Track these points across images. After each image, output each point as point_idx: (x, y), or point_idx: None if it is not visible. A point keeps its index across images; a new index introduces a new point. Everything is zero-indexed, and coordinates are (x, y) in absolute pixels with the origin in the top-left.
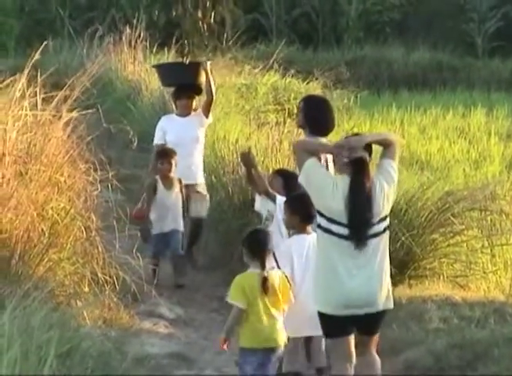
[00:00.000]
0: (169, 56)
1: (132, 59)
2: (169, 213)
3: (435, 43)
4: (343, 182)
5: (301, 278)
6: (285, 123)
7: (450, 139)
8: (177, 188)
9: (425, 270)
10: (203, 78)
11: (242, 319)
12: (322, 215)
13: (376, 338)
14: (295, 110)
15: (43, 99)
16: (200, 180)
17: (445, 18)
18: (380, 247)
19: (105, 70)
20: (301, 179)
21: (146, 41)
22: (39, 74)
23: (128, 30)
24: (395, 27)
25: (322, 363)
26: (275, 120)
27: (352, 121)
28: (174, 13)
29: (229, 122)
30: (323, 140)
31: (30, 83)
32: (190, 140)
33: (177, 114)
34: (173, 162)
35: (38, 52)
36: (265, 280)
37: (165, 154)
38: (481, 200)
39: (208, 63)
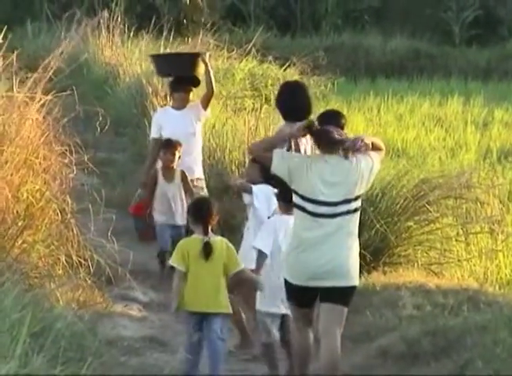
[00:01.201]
0: (146, 40)
1: (110, 43)
2: (170, 206)
3: (413, 31)
4: (316, 162)
5: (277, 259)
6: (262, 109)
7: (427, 127)
8: (178, 180)
9: (399, 257)
10: (201, 70)
11: (184, 282)
12: (296, 193)
13: (341, 313)
14: (272, 96)
15: (20, 82)
16: (198, 175)
17: (423, 6)
18: (350, 226)
19: (82, 53)
20: (276, 171)
21: (124, 25)
22: (15, 57)
23: (106, 13)
24: (373, 15)
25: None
26: (252, 106)
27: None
28: None
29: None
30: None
31: (8, 66)
32: (186, 135)
33: (173, 107)
34: (177, 153)
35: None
36: (206, 246)
37: (169, 145)
38: (457, 188)
39: (207, 54)
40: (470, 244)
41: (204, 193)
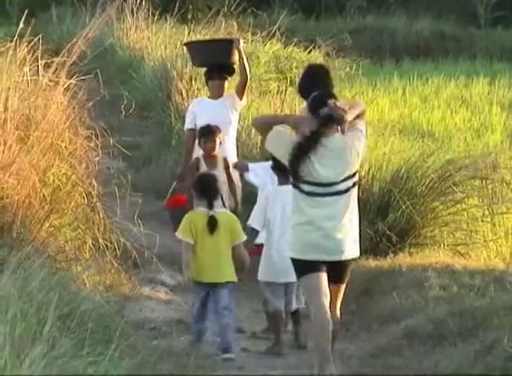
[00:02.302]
0: (171, 23)
1: (134, 26)
2: (227, 205)
3: (438, 13)
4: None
5: (281, 229)
6: (286, 91)
7: (452, 108)
8: (221, 167)
9: (426, 238)
10: (236, 58)
11: (192, 252)
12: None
13: (341, 289)
14: (296, 79)
15: (45, 66)
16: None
17: None
18: (350, 201)
19: (107, 37)
20: (268, 147)
21: (148, 9)
22: (41, 41)
23: None
24: None
25: (294, 306)
26: (277, 88)
27: (354, 90)
28: None
29: (231, 90)
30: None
31: (33, 50)
32: (223, 124)
33: (208, 97)
34: (217, 140)
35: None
36: (210, 219)
37: (209, 132)
38: (482, 169)
39: (241, 41)
40: (496, 224)
41: (238, 186)
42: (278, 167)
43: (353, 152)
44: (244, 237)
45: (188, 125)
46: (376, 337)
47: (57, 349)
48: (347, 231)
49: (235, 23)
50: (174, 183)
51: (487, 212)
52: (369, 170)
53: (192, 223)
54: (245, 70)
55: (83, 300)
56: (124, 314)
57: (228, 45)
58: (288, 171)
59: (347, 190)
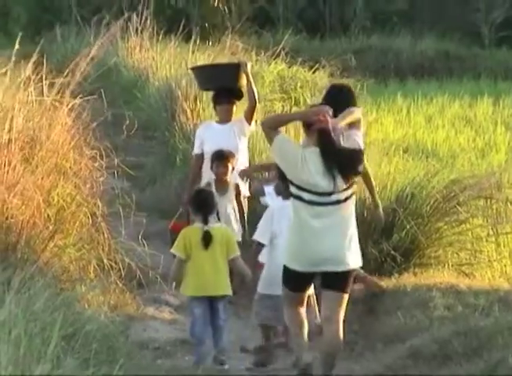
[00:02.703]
0: (175, 43)
1: (139, 46)
2: (222, 221)
3: (442, 32)
4: (310, 154)
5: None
6: (291, 111)
7: (456, 128)
8: (232, 194)
9: (430, 258)
10: (243, 81)
11: (184, 268)
12: (292, 183)
13: (342, 299)
14: (301, 99)
15: (49, 86)
16: (244, 193)
17: (452, 7)
18: (348, 211)
19: (111, 56)
20: (272, 153)
21: (153, 28)
22: (45, 60)
23: (134, 17)
24: (402, 17)
25: None
26: (282, 108)
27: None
28: None
29: (236, 110)
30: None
31: (38, 70)
32: (230, 150)
33: (216, 121)
34: (229, 165)
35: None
36: (205, 234)
37: (222, 156)
38: (487, 188)
39: (249, 64)
40: (500, 244)
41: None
42: (284, 176)
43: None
44: (238, 254)
45: (196, 150)
46: (381, 356)
47: (61, 369)
48: (347, 240)
49: (239, 43)
50: (181, 209)
51: (491, 232)
52: None
53: (186, 239)
54: (253, 93)
55: (87, 320)
56: (128, 334)
57: (235, 68)
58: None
59: (346, 199)
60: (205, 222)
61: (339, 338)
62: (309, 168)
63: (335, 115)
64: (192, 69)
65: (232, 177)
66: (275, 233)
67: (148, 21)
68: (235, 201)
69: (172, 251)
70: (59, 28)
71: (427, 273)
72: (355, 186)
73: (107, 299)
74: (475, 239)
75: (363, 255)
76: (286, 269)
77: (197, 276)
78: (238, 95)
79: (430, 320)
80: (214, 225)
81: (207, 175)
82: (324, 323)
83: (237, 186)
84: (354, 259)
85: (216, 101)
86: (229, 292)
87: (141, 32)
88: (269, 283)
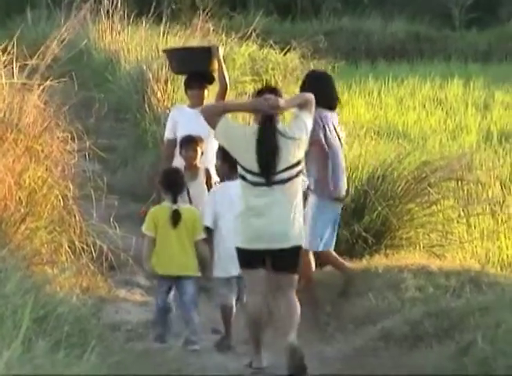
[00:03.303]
0: (146, 25)
1: (110, 28)
2: (193, 204)
3: (413, 14)
4: (252, 131)
5: (229, 225)
6: None
7: (427, 109)
8: (202, 179)
9: (401, 240)
10: (215, 66)
11: (153, 247)
12: (238, 163)
13: (292, 279)
14: (273, 80)
15: (20, 69)
16: (215, 178)
17: None
18: (292, 190)
19: (82, 39)
20: (216, 138)
21: (124, 11)
22: (16, 44)
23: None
24: None
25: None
26: (253, 90)
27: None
28: None
29: (208, 94)
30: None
31: (9, 53)
32: (202, 134)
33: (189, 106)
34: (199, 150)
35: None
36: (174, 214)
37: (190, 141)
38: (458, 170)
39: (220, 48)
40: (471, 225)
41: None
42: (226, 158)
43: (294, 140)
44: (202, 236)
45: (168, 135)
46: (353, 338)
47: (32, 352)
48: (291, 219)
49: (210, 25)
50: (154, 195)
51: (462, 213)
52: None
53: (155, 218)
54: (224, 78)
55: (59, 303)
56: (100, 316)
57: (207, 52)
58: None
59: (289, 179)
60: (174, 201)
61: (296, 310)
62: (253, 147)
63: (317, 103)
64: (165, 51)
65: (202, 162)
66: (219, 214)
67: (119, 4)
68: (205, 186)
69: (143, 230)
70: (30, 12)
71: (398, 255)
72: (300, 166)
73: (79, 282)
74: (446, 220)
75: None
76: (238, 250)
77: (164, 255)
78: (209, 79)
79: (401, 302)
80: (183, 206)
81: (179, 160)
82: (280, 300)
83: (207, 171)
84: (297, 236)
85: (188, 85)
86: (196, 273)
87: (112, 15)
88: (219, 265)
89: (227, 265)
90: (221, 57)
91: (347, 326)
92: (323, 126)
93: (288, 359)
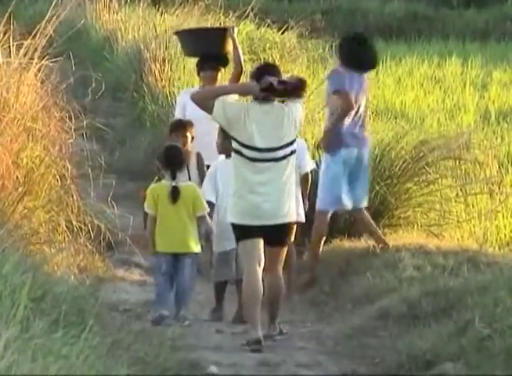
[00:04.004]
0: (144, 5)
1: (107, 8)
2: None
3: None
4: (253, 110)
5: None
6: None
7: (425, 88)
8: (194, 164)
9: (399, 219)
10: (230, 47)
11: (155, 225)
12: (235, 139)
13: (281, 252)
14: (270, 60)
15: (17, 48)
16: (205, 161)
17: None
18: (288, 167)
19: (79, 18)
20: (215, 118)
21: None
22: (13, 23)
23: None
24: None
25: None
26: (251, 69)
27: (327, 71)
28: None
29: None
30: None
31: (6, 32)
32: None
33: (200, 88)
34: (188, 135)
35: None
36: (173, 190)
37: (180, 126)
38: (456, 149)
39: (235, 29)
40: (469, 204)
41: None
42: (229, 136)
43: (291, 119)
44: (206, 210)
45: (177, 116)
46: (351, 318)
47: (31, 331)
48: (285, 196)
49: (208, 4)
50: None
51: (460, 193)
52: None
53: (154, 194)
54: (239, 59)
55: (57, 282)
56: (98, 296)
57: (221, 33)
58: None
59: (284, 157)
60: (173, 177)
61: (281, 287)
62: (251, 123)
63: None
64: (177, 33)
65: (193, 146)
66: (219, 191)
67: None
68: (196, 170)
69: (145, 209)
70: None
71: (396, 234)
72: (295, 144)
73: (77, 261)
74: (444, 199)
75: (333, 217)
76: (233, 225)
77: (164, 231)
78: (224, 61)
79: (399, 281)
80: (183, 182)
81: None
82: (266, 273)
83: (198, 155)
84: (291, 213)
85: (200, 67)
86: (196, 249)
87: None
88: (220, 239)
89: (223, 241)
90: (236, 38)
91: (346, 305)
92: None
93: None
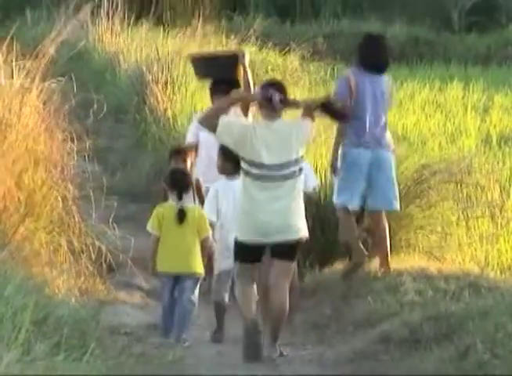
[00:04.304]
0: (146, 27)
1: (110, 30)
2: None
3: (412, 17)
4: (260, 128)
5: (230, 221)
6: None
7: (426, 112)
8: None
9: (401, 242)
10: (241, 72)
11: (158, 246)
12: (243, 159)
13: (288, 267)
14: None
15: (20, 69)
16: (204, 186)
17: None
18: (296, 185)
19: (81, 40)
20: (219, 138)
21: (124, 12)
22: (16, 44)
23: (105, 1)
24: (372, 1)
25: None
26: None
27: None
28: None
29: (207, 94)
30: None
31: (8, 53)
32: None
33: None
34: (188, 160)
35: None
36: (180, 212)
37: (179, 152)
38: (457, 173)
39: (246, 55)
40: (470, 228)
41: None
42: (229, 157)
43: (298, 137)
44: (210, 232)
45: (190, 139)
46: (353, 341)
47: (32, 354)
48: (294, 213)
49: (210, 27)
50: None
51: (462, 216)
52: None
53: (160, 215)
54: (249, 85)
55: (58, 305)
56: (99, 319)
57: (232, 59)
58: (238, 159)
59: (292, 175)
60: (179, 199)
61: (285, 305)
62: (258, 141)
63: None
64: (190, 57)
65: (193, 172)
66: (221, 210)
67: (119, 5)
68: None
69: (148, 229)
70: (30, 12)
71: (397, 257)
72: (302, 163)
73: (78, 283)
74: (445, 223)
75: (335, 240)
76: (236, 243)
77: (168, 252)
78: (235, 86)
79: (400, 305)
80: (188, 204)
81: (204, 163)
82: (272, 289)
83: (197, 181)
84: (299, 230)
85: (213, 92)
86: (200, 271)
87: (111, 16)
88: (221, 258)
89: (224, 260)
90: (247, 64)
91: (347, 328)
92: (350, 86)
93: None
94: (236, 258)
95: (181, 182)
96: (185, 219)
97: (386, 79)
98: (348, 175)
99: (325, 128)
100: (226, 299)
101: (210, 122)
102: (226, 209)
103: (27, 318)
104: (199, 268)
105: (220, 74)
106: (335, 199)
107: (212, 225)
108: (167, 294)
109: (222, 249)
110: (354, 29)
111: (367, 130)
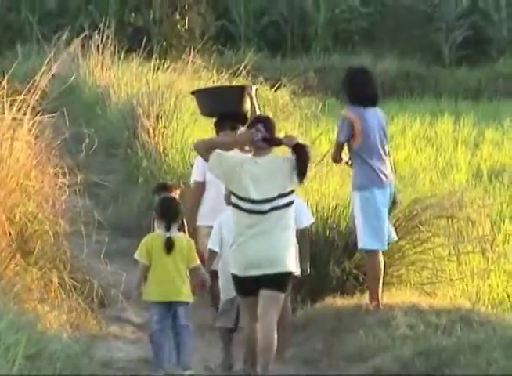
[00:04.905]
0: (137, 61)
1: (100, 64)
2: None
3: (403, 52)
4: (247, 164)
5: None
6: None
7: (417, 147)
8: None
9: (392, 277)
10: (247, 105)
11: (146, 274)
12: (232, 193)
13: (277, 300)
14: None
15: (11, 105)
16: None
17: (413, 27)
18: (284, 218)
19: (72, 74)
20: (211, 170)
21: (114, 47)
22: (6, 78)
23: (96, 35)
24: (363, 36)
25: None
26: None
27: (320, 129)
28: (151, 17)
29: (198, 129)
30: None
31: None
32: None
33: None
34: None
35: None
36: (168, 241)
37: (164, 188)
38: (448, 208)
39: (253, 88)
40: (462, 263)
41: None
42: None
43: (287, 170)
44: (198, 263)
45: (197, 178)
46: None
47: None
48: (283, 246)
49: (201, 62)
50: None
51: (453, 251)
52: (335, 208)
53: (148, 245)
54: None
55: (51, 340)
56: (91, 354)
57: (239, 92)
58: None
59: (281, 207)
60: (168, 228)
61: (272, 336)
62: (246, 176)
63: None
64: (194, 92)
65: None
66: (224, 239)
67: (109, 39)
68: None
69: (136, 257)
70: (21, 46)
71: (389, 292)
72: (292, 196)
73: (70, 319)
74: (437, 258)
75: (326, 275)
76: (232, 276)
77: (158, 281)
78: (242, 120)
79: (392, 339)
80: (176, 234)
81: (210, 203)
82: (259, 320)
83: (182, 222)
84: (289, 263)
85: (219, 126)
86: (190, 298)
87: (102, 50)
88: (225, 288)
89: (229, 289)
90: (255, 97)
91: (339, 363)
92: (352, 124)
93: None
94: (236, 292)
95: (170, 212)
96: (173, 248)
97: (379, 110)
98: (377, 214)
99: (315, 163)
100: (230, 325)
101: (206, 154)
102: (228, 239)
103: (20, 353)
104: (189, 295)
105: (227, 107)
106: (366, 244)
107: (214, 253)
108: (156, 323)
109: (226, 277)
110: (345, 63)
111: (383, 166)
